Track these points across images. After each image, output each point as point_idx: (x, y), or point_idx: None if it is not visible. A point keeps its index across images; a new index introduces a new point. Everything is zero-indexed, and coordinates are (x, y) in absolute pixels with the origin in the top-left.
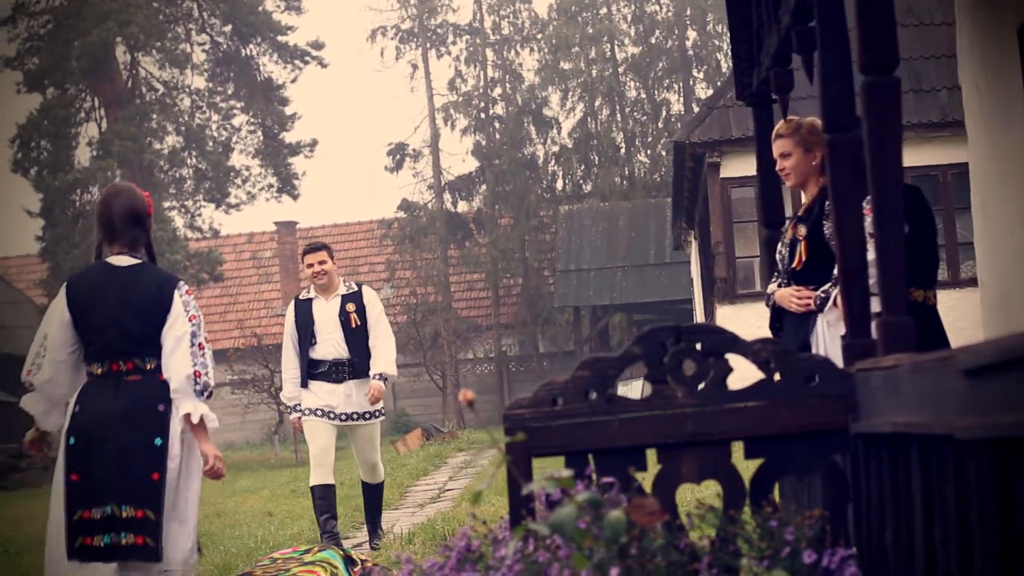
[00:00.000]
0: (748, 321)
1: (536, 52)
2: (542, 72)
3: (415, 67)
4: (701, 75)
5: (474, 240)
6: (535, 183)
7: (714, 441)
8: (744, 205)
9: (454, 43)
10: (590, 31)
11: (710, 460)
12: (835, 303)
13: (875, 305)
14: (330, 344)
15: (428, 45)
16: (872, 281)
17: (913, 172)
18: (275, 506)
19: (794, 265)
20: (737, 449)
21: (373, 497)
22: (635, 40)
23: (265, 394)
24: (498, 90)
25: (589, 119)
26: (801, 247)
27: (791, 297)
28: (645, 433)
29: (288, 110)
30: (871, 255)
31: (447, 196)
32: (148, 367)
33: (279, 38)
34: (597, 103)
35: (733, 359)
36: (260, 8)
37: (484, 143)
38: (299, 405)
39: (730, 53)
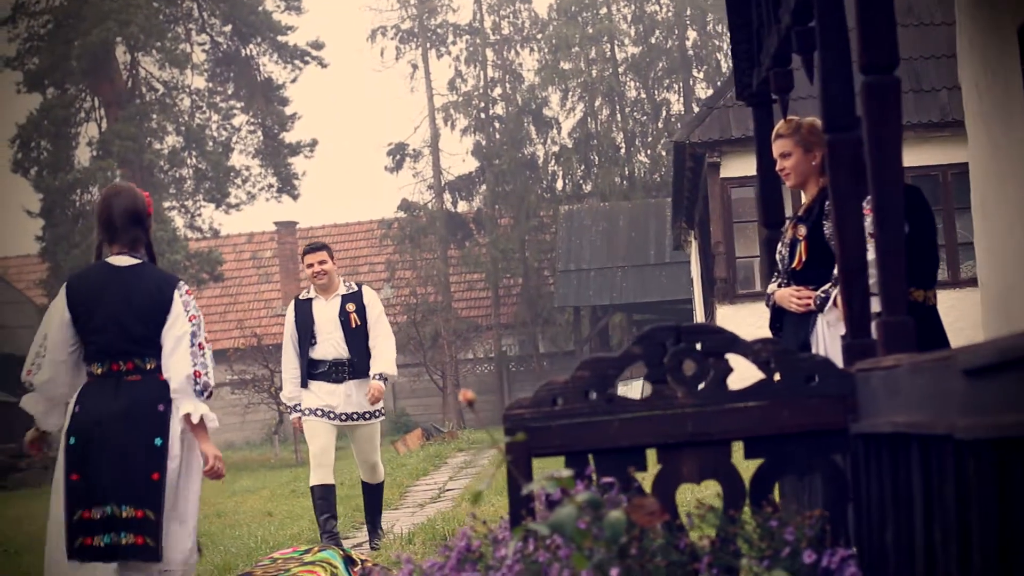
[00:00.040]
0: (748, 321)
1: (536, 52)
2: (542, 72)
3: (415, 67)
4: (701, 75)
5: (474, 240)
6: (535, 183)
7: (714, 441)
8: (744, 205)
9: (454, 43)
10: (590, 31)
11: (710, 460)
12: (835, 303)
13: (875, 305)
14: (330, 344)
15: (428, 45)
16: (872, 281)
17: (913, 172)
18: (275, 506)
19: (794, 265)
20: (737, 449)
21: (373, 497)
22: (635, 40)
23: (265, 394)
24: (498, 90)
25: (589, 119)
26: (801, 247)
27: (791, 297)
28: (645, 433)
29: (288, 110)
30: (871, 255)
31: (447, 196)
32: (148, 367)
33: (279, 38)
34: (597, 103)
35: (733, 359)
36: (260, 8)
37: (484, 143)
38: (299, 405)
39: (730, 53)
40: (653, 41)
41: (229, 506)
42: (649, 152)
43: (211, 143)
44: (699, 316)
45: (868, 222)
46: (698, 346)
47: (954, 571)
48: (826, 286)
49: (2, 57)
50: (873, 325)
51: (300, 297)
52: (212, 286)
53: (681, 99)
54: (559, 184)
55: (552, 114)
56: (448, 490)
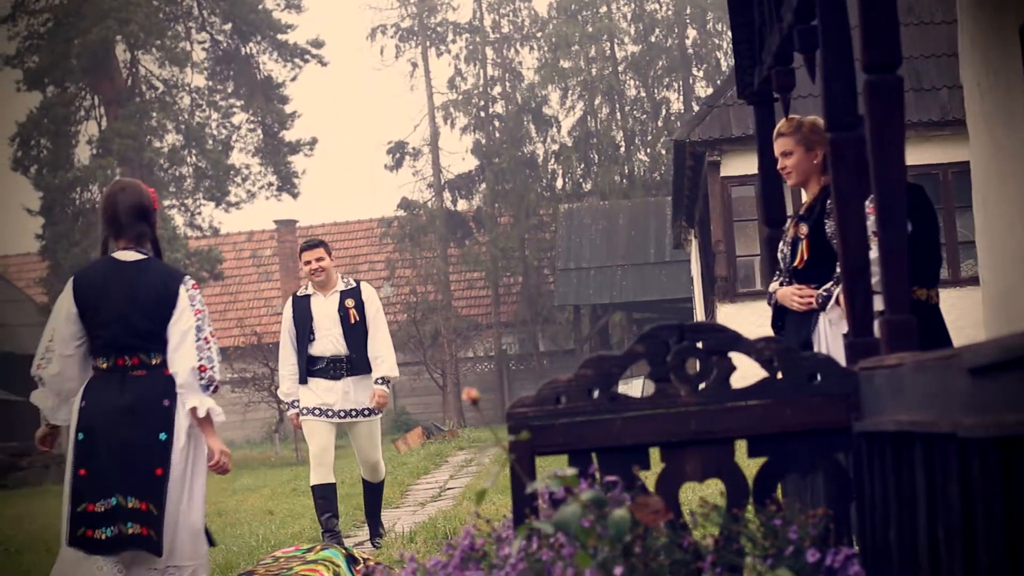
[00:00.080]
0: (749, 320)
1: (536, 50)
2: (542, 71)
3: (415, 65)
4: (701, 74)
5: (474, 239)
6: (535, 182)
7: (717, 440)
8: (744, 204)
9: (454, 41)
10: (590, 29)
11: (713, 459)
12: (837, 301)
13: (878, 303)
14: (329, 340)
15: (428, 43)
16: (875, 280)
17: (913, 171)
18: (276, 505)
19: (796, 264)
20: (740, 448)
21: (373, 495)
22: (635, 39)
23: (265, 392)
24: (498, 88)
25: (589, 118)
26: (803, 246)
27: (793, 296)
28: (648, 432)
29: (288, 108)
30: (874, 254)
31: (447, 194)
32: (153, 362)
33: (279, 36)
34: (597, 102)
35: (736, 358)
36: (260, 6)
37: (484, 141)
38: (296, 402)
39: (731, 51)
40: (653, 40)
41: (230, 505)
42: (649, 151)
43: (211, 141)
44: (699, 315)
45: (871, 221)
46: (701, 345)
47: (958, 570)
48: (828, 284)
49: (2, 55)
50: (876, 324)
51: (298, 294)
52: (212, 284)
53: (681, 98)
54: (559, 183)
55: (552, 112)
56: (449, 489)
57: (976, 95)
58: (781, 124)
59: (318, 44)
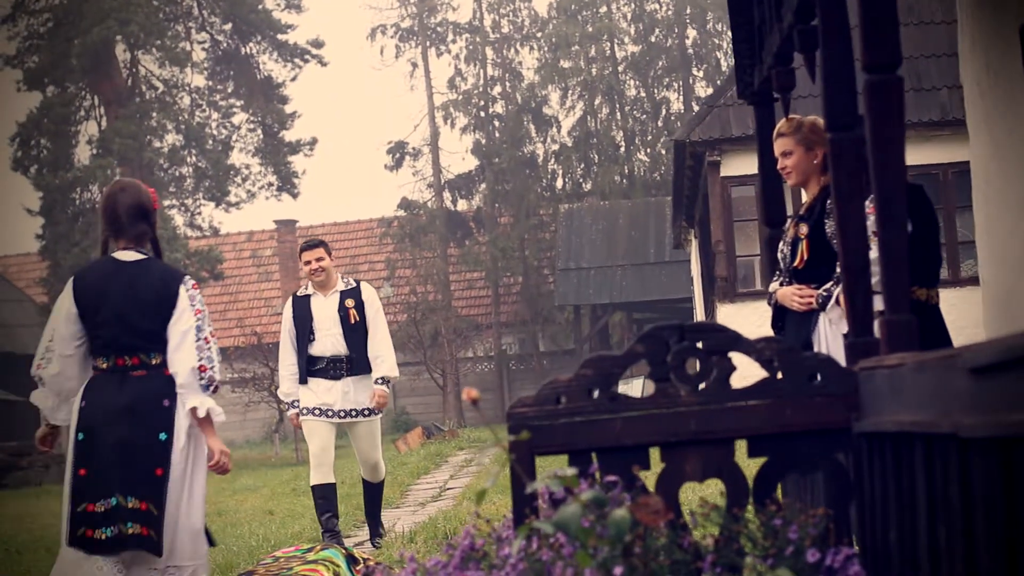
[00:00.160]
0: (749, 320)
1: (536, 51)
2: (542, 71)
3: (415, 65)
4: (701, 74)
5: (474, 239)
6: (535, 182)
7: (717, 440)
8: (744, 203)
9: (454, 41)
10: (590, 29)
11: (713, 458)
12: (837, 301)
13: (878, 303)
14: (329, 340)
15: (428, 43)
16: (875, 280)
17: (913, 171)
18: (276, 505)
19: (796, 264)
20: (740, 448)
21: (373, 495)
22: (635, 39)
23: (265, 392)
24: (498, 88)
25: (589, 118)
26: (803, 246)
27: (793, 296)
28: (649, 432)
29: (288, 108)
30: (874, 254)
31: (447, 194)
32: (153, 362)
33: (279, 36)
34: (597, 102)
35: (736, 358)
36: (260, 6)
37: (484, 141)
38: (296, 402)
39: (730, 51)
40: (653, 40)
41: (230, 505)
42: (649, 151)
43: (211, 141)
44: (699, 315)
45: (871, 221)
46: (701, 345)
47: (958, 570)
48: (828, 285)
49: (2, 55)
50: (876, 324)
51: (298, 294)
52: (212, 284)
53: (681, 98)
54: (559, 183)
55: (552, 113)
56: (449, 489)
57: (976, 95)
58: (781, 124)
59: (318, 44)
